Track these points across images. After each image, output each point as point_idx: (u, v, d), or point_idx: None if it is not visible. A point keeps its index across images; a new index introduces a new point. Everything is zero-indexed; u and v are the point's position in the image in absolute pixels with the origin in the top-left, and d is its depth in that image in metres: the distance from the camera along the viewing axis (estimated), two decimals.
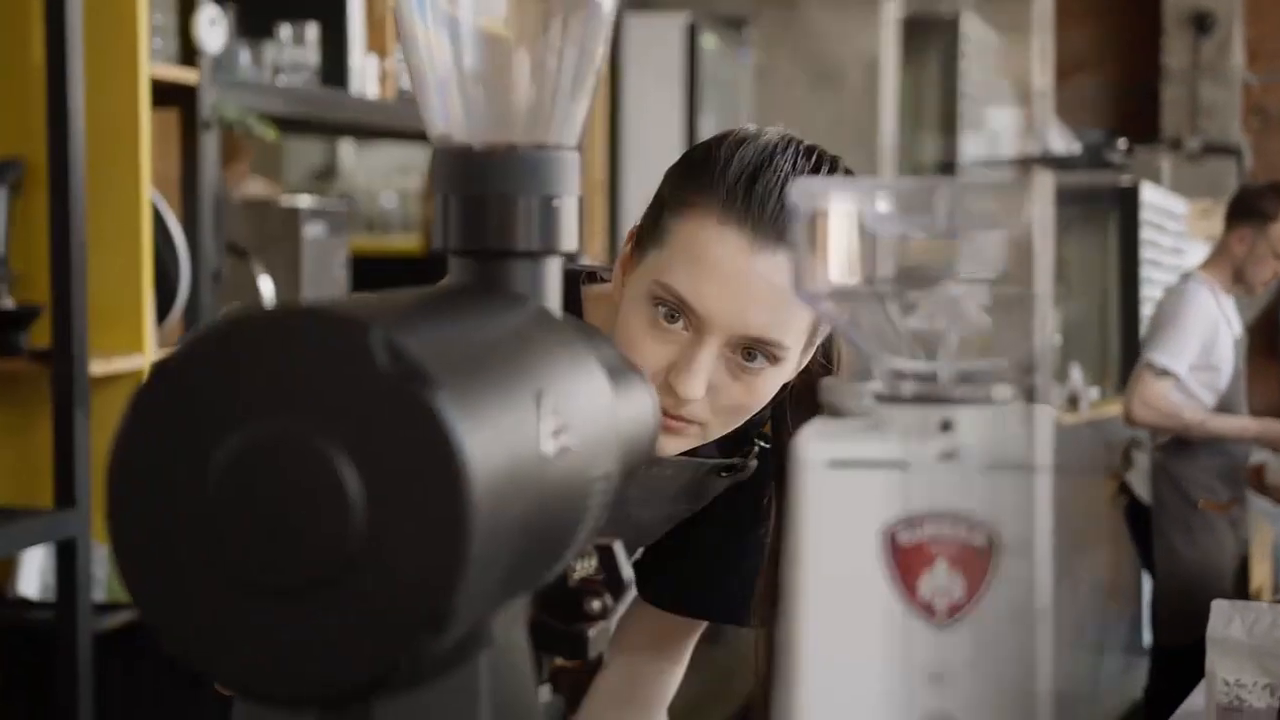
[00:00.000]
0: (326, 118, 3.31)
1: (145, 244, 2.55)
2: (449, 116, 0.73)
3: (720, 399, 1.20)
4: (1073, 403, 5.26)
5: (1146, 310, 6.24)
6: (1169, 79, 7.46)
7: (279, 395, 0.57)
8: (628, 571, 0.81)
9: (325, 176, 5.91)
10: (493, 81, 0.73)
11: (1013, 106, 6.67)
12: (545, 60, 0.73)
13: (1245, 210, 4.35)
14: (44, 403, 2.42)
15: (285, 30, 3.12)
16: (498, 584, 0.60)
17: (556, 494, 0.64)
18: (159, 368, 0.58)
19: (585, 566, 0.80)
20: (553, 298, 0.73)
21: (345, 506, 0.55)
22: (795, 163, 1.19)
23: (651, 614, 1.44)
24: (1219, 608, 1.83)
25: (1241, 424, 4.29)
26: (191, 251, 2.73)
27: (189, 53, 2.71)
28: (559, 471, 0.64)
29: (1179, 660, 3.22)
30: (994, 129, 6.70)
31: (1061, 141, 6.71)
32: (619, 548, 0.81)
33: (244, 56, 2.98)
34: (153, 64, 2.58)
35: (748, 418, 1.24)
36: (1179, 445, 4.15)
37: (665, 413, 1.18)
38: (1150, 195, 6.45)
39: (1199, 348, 4.20)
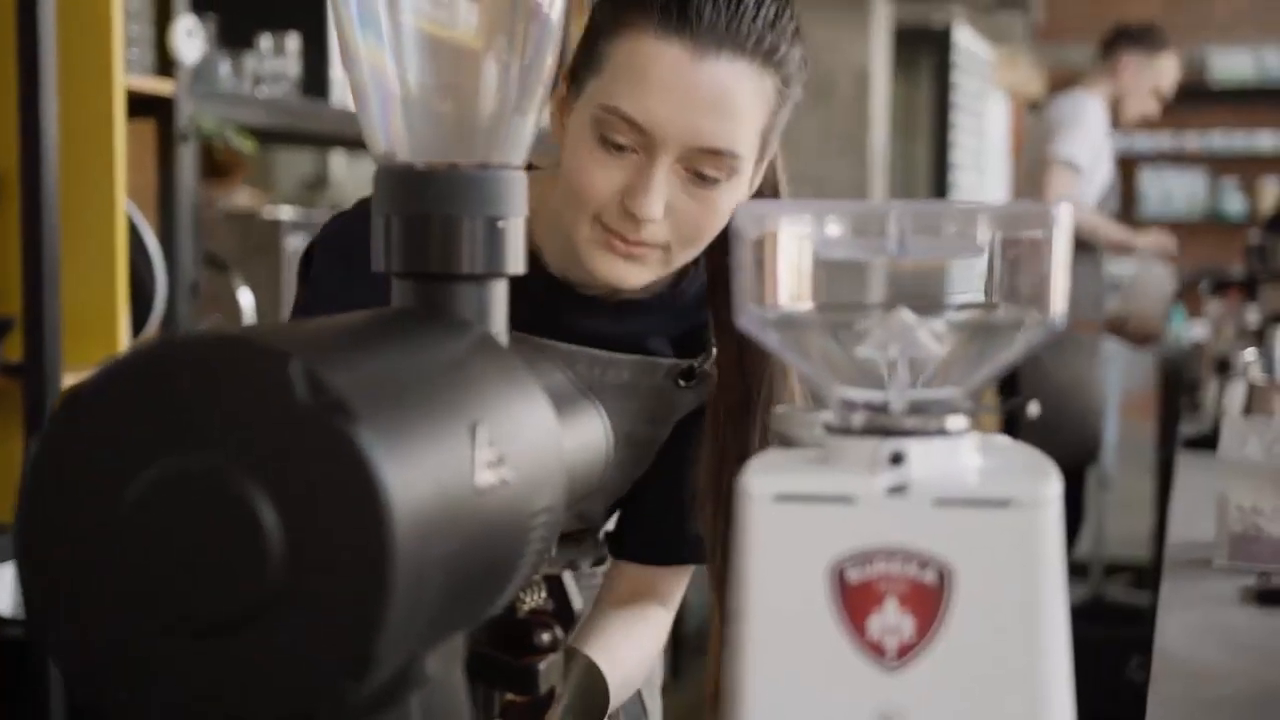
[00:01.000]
0: (307, 129, 3.28)
1: (120, 256, 2.51)
2: (390, 134, 0.70)
3: (679, 219, 1.19)
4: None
5: (953, 156, 6.29)
6: None
7: (196, 427, 0.54)
8: (578, 602, 0.78)
9: (316, 187, 5.89)
10: (436, 98, 0.70)
11: None
12: (491, 75, 0.71)
13: (1135, 38, 4.38)
14: (16, 417, 2.39)
15: (265, 41, 3.09)
16: (427, 623, 0.58)
17: (493, 528, 0.62)
18: (71, 395, 0.56)
19: (534, 598, 0.78)
20: (498, 322, 0.71)
21: (263, 544, 0.53)
22: None
23: (631, 565, 1.42)
24: (1232, 425, 1.60)
25: (1132, 234, 4.41)
26: (168, 264, 2.70)
27: (167, 64, 2.69)
28: (496, 505, 0.61)
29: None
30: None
31: None
32: (569, 578, 0.79)
33: (224, 67, 2.96)
34: (129, 75, 2.55)
35: (708, 242, 1.23)
36: None
37: (624, 239, 1.18)
38: (962, 38, 6.45)
39: (1090, 153, 4.23)
